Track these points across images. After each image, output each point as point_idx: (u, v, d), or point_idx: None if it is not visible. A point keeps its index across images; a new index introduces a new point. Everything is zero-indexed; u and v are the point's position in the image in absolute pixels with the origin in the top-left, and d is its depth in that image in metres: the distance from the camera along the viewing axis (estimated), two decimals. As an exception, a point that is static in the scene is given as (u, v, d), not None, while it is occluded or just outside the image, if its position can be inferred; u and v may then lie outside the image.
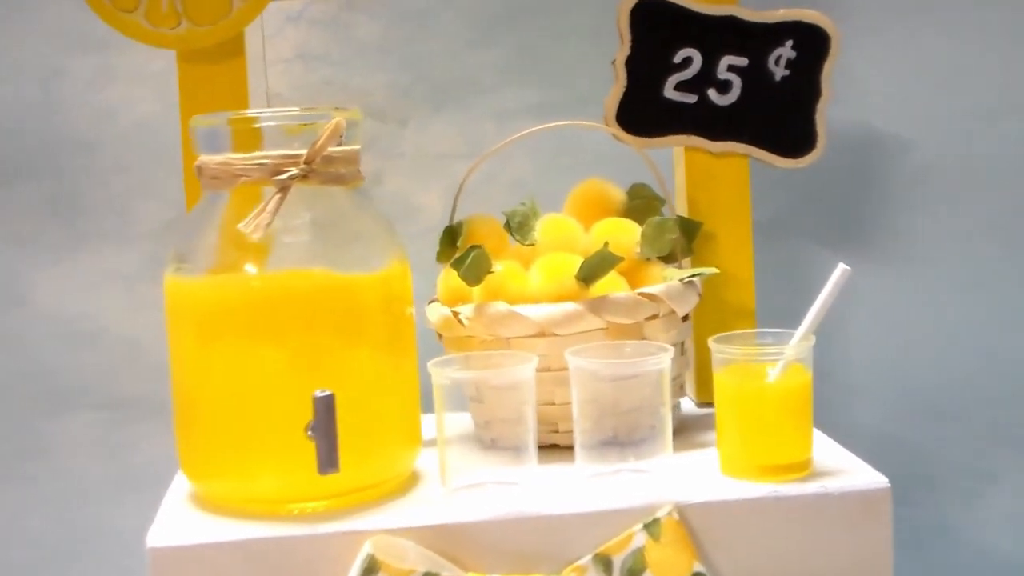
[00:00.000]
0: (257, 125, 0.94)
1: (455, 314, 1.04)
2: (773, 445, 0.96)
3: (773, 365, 0.96)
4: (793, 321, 1.35)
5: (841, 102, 1.32)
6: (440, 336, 1.08)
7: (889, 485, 0.94)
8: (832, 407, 1.37)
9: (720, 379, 0.97)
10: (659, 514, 0.90)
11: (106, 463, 1.28)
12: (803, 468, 0.96)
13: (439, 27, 1.30)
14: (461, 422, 1.05)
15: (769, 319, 1.30)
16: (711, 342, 0.97)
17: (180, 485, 1.01)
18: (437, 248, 1.10)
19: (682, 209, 1.17)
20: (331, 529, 0.90)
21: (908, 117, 1.35)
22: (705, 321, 1.15)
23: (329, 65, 1.29)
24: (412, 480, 1.00)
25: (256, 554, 0.89)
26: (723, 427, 0.97)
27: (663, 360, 0.94)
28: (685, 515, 0.91)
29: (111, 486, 1.28)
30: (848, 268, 0.96)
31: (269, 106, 1.28)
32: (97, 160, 1.26)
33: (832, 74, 1.16)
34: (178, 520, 0.94)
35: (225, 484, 0.96)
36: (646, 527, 0.90)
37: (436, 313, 1.07)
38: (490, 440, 1.02)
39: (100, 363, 1.27)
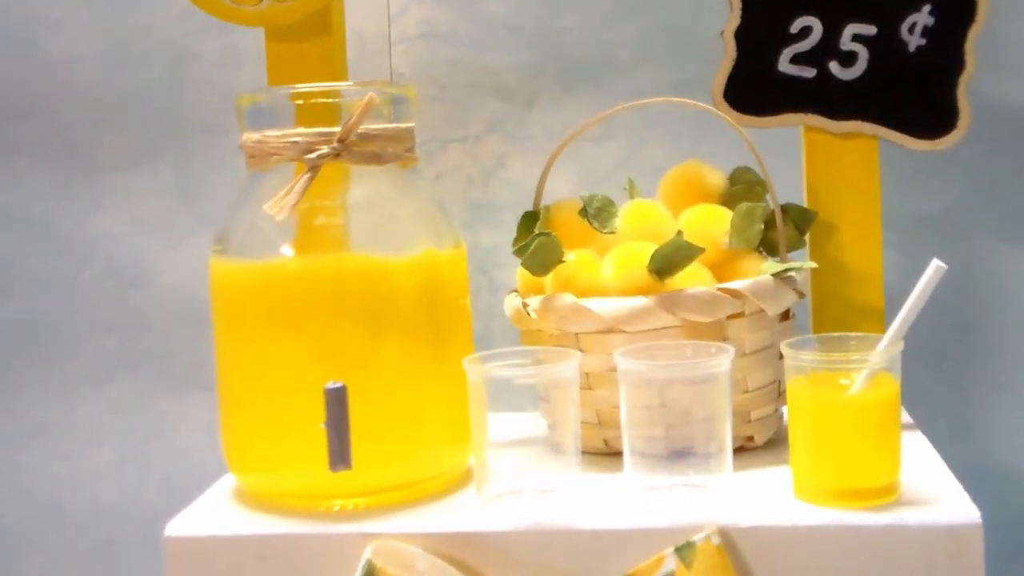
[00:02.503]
0: (292, 101, 0.90)
1: (525, 306, 0.97)
2: (851, 466, 0.84)
3: (856, 373, 0.84)
4: (964, 330, 1.20)
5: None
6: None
7: (980, 521, 0.80)
8: (1009, 426, 1.22)
9: (793, 389, 0.85)
10: (695, 537, 0.80)
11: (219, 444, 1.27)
12: (886, 494, 0.84)
13: (574, 2, 1.22)
14: (533, 424, 0.98)
15: (939, 332, 1.17)
16: (783, 346, 0.86)
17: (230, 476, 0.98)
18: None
19: (803, 196, 1.05)
20: (343, 530, 0.85)
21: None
22: (825, 322, 1.04)
23: (455, 44, 1.24)
24: (461, 481, 0.93)
25: (269, 551, 0.85)
26: (796, 444, 0.86)
27: (718, 364, 0.84)
28: (732, 540, 0.81)
29: (224, 467, 1.27)
30: (943, 265, 0.83)
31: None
32: (222, 143, 1.25)
33: (992, 41, 1.02)
34: (207, 511, 0.91)
35: (257, 476, 0.92)
36: (678, 551, 0.80)
37: (510, 305, 1.00)
38: (556, 443, 0.94)
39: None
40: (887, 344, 0.84)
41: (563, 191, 1.20)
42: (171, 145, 1.26)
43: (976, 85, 1.04)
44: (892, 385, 0.84)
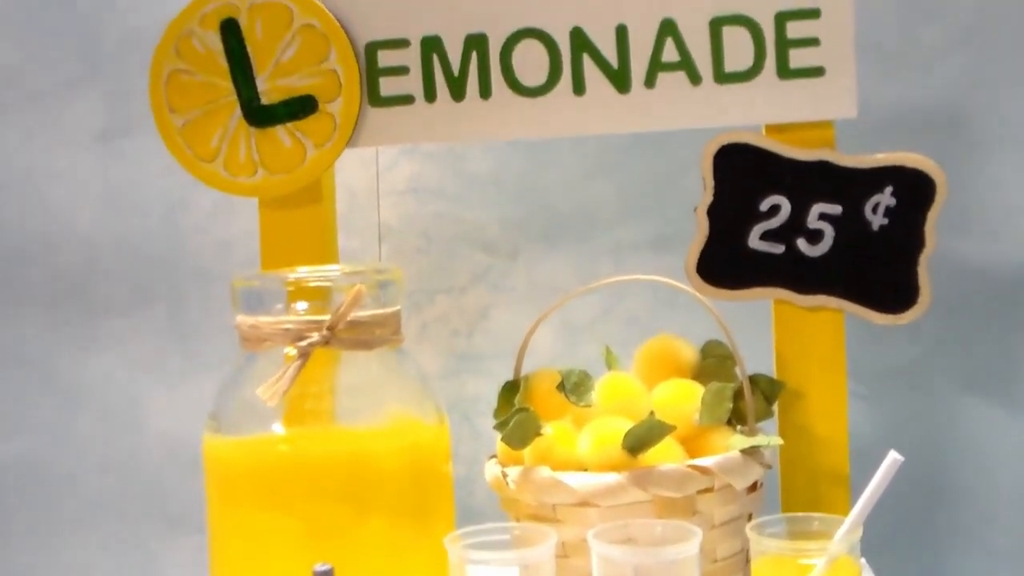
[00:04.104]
0: (280, 287, 0.95)
1: (504, 475, 1.01)
2: (813, 649, 0.88)
3: (818, 557, 0.88)
4: (930, 480, 1.25)
5: (993, 236, 1.23)
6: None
7: None
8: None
9: (758, 569, 0.90)
10: None
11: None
12: (847, 677, 0.88)
13: (555, 159, 1.28)
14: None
15: (905, 480, 1.21)
16: (748, 530, 0.90)
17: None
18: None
19: (772, 364, 1.10)
20: None
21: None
22: (793, 487, 1.08)
23: (442, 198, 1.29)
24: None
25: None
26: (761, 625, 0.90)
27: (687, 549, 0.88)
28: None
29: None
30: (899, 457, 0.87)
31: (380, 239, 1.29)
32: (214, 289, 1.30)
33: (957, 206, 1.08)
34: None
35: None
36: None
37: (490, 472, 1.04)
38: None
39: (211, 487, 1.30)
40: (846, 531, 0.88)
41: (545, 341, 1.26)
42: (165, 290, 1.31)
43: (943, 246, 1.08)
44: (852, 568, 0.88)
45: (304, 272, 0.97)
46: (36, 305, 1.32)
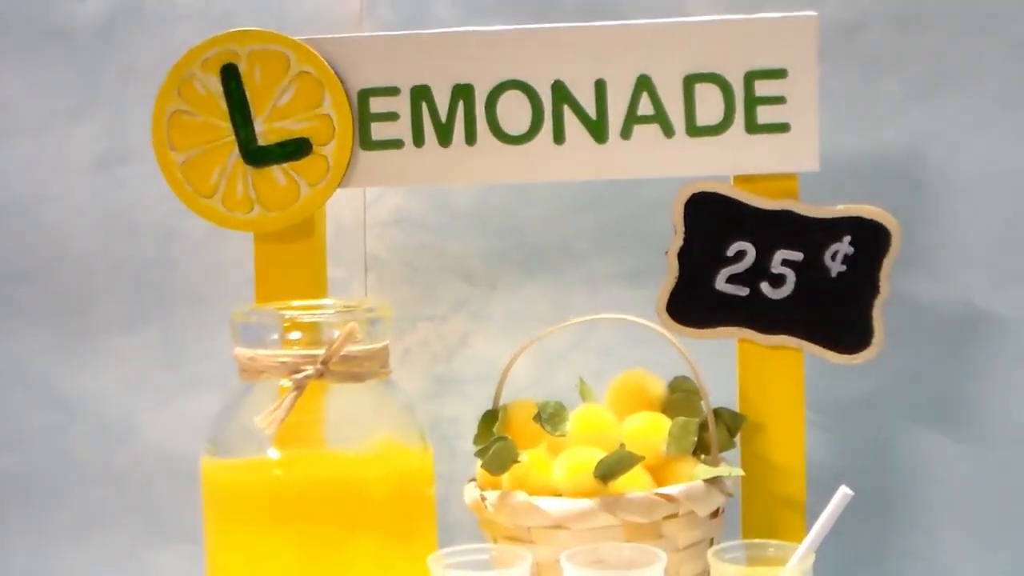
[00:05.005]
0: (276, 322, 1.01)
1: (483, 498, 1.08)
2: (766, 667, 0.95)
3: (772, 583, 0.95)
4: (882, 505, 1.32)
5: (943, 277, 1.30)
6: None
7: None
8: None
9: (715, 594, 0.97)
10: None
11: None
12: None
13: (535, 196, 1.34)
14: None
15: (858, 504, 1.29)
16: (710, 556, 0.97)
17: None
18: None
19: (735, 397, 1.17)
20: None
21: (1011, 297, 1.30)
22: (753, 515, 1.15)
23: (426, 230, 1.35)
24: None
25: None
26: (716, 650, 0.97)
27: (650, 572, 0.95)
28: None
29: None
30: (850, 492, 0.95)
31: (367, 268, 1.35)
32: (206, 313, 1.36)
33: (910, 246, 1.16)
34: None
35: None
36: None
37: (469, 495, 1.11)
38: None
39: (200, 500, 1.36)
40: (800, 557, 0.96)
41: (521, 369, 1.31)
42: (159, 312, 1.37)
43: (898, 286, 1.16)
44: (805, 595, 0.96)
45: (300, 309, 1.03)
46: (35, 324, 1.38)
